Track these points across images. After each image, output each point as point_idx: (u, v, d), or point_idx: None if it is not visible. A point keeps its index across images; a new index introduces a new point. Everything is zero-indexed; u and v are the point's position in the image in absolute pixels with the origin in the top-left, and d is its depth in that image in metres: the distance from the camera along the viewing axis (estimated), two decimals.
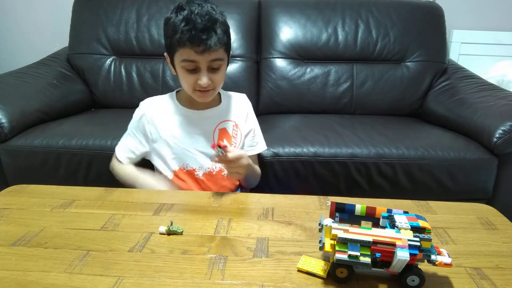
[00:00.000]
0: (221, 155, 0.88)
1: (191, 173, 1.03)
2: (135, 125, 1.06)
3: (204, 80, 0.93)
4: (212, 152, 0.91)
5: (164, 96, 1.10)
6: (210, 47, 0.89)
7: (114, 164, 1.09)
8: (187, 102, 1.05)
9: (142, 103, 1.08)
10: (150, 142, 1.05)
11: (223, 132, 1.07)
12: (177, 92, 1.10)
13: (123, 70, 1.81)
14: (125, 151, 1.07)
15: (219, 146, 0.88)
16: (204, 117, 1.05)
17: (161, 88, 1.79)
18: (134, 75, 1.80)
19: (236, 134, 1.09)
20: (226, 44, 0.95)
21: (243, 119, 1.11)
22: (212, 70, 0.95)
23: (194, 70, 0.94)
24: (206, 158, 1.04)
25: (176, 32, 0.90)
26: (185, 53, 0.91)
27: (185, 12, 0.90)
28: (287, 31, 1.81)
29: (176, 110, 1.05)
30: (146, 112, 1.04)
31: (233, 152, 0.90)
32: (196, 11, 0.89)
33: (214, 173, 1.05)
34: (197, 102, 1.02)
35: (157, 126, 1.03)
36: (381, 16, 1.82)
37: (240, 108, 1.12)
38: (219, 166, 1.04)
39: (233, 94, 1.14)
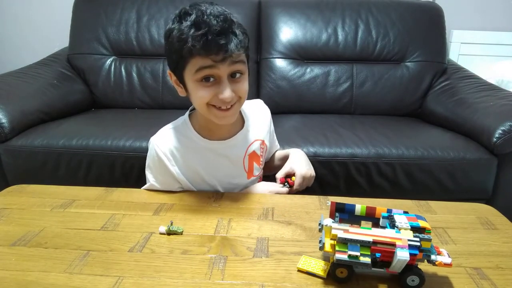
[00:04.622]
0: (288, 188, 0.93)
1: None
2: (163, 175, 0.87)
3: (227, 93, 0.75)
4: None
5: (176, 128, 0.89)
6: (232, 53, 0.72)
7: None
8: (206, 130, 0.88)
9: (154, 144, 0.87)
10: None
11: (252, 156, 0.95)
12: (189, 116, 0.90)
13: (123, 70, 1.81)
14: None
15: (287, 182, 0.93)
16: (230, 146, 0.90)
17: (161, 88, 1.79)
18: (134, 75, 1.80)
19: (263, 152, 0.98)
20: (247, 48, 0.78)
21: (267, 133, 1.00)
22: (234, 79, 0.78)
23: (212, 82, 0.76)
24: (238, 187, 0.95)
25: (185, 41, 0.71)
26: (199, 61, 0.73)
27: (193, 16, 0.72)
28: (287, 31, 1.81)
29: (197, 145, 0.87)
30: (161, 154, 0.85)
31: (297, 182, 0.92)
32: (208, 10, 0.72)
33: None
34: (219, 128, 0.86)
35: (179, 168, 0.87)
36: (381, 16, 1.82)
37: (263, 122, 1.00)
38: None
39: (252, 106, 0.98)
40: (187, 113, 0.91)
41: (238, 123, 0.93)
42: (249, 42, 0.79)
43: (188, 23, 0.72)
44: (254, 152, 0.95)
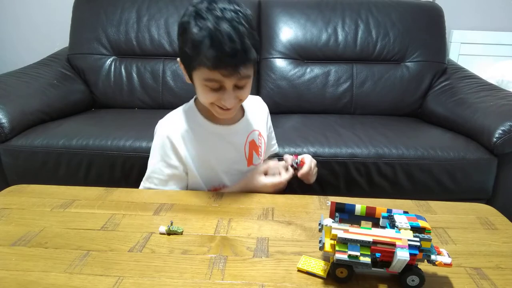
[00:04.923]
0: (295, 169, 0.93)
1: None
2: (167, 154, 0.90)
3: (229, 101, 0.81)
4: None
5: (182, 113, 0.94)
6: (242, 71, 0.77)
7: None
8: (210, 115, 0.91)
9: (162, 127, 0.92)
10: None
11: (252, 144, 0.99)
12: (195, 102, 0.95)
13: (123, 70, 1.81)
14: (175, 187, 0.92)
15: (299, 160, 0.93)
16: (232, 132, 0.95)
17: (161, 88, 1.79)
18: (134, 75, 1.80)
19: (261, 143, 1.02)
20: (255, 59, 0.80)
21: (264, 126, 1.05)
22: (238, 87, 0.82)
23: (218, 89, 0.81)
24: (238, 173, 0.97)
25: (198, 52, 0.75)
26: (208, 73, 0.77)
27: (208, 25, 0.73)
28: (287, 31, 1.81)
29: (202, 129, 0.92)
30: (172, 136, 0.89)
31: (308, 160, 0.93)
32: (223, 26, 0.73)
33: None
34: None
35: (187, 151, 0.90)
36: (381, 16, 1.82)
37: (261, 115, 1.05)
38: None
39: (251, 100, 1.01)
40: (193, 99, 0.96)
41: (239, 113, 0.97)
42: (258, 52, 0.81)
43: (204, 32, 0.74)
44: (253, 141, 0.99)
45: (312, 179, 0.99)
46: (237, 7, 0.77)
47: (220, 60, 0.74)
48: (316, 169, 0.99)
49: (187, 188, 0.95)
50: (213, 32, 0.73)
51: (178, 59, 0.87)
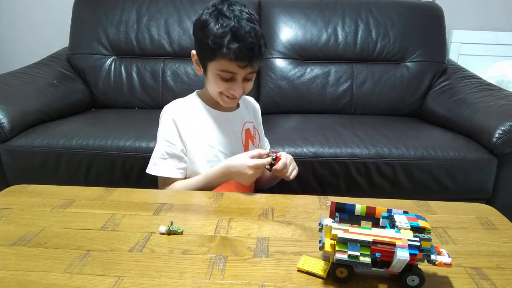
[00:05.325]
0: (273, 162, 0.93)
1: None
2: (168, 133, 0.98)
3: (238, 91, 0.94)
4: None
5: (187, 99, 1.05)
6: (254, 64, 0.91)
7: (170, 189, 0.98)
8: (212, 103, 1.02)
9: (166, 109, 1.02)
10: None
11: (248, 133, 1.08)
12: (197, 93, 1.06)
13: (123, 70, 1.81)
14: (173, 165, 0.98)
15: (275, 155, 0.94)
16: (231, 118, 1.05)
17: (161, 88, 1.79)
18: (134, 75, 1.80)
19: (255, 135, 1.11)
20: (264, 56, 0.94)
21: (257, 121, 1.15)
22: (246, 80, 0.95)
23: (229, 79, 0.93)
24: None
25: (220, 45, 0.87)
26: (226, 64, 0.89)
27: (230, 23, 0.87)
28: (287, 31, 1.81)
29: (204, 112, 1.02)
30: (175, 116, 0.99)
31: (284, 156, 0.95)
32: (244, 24, 0.87)
33: None
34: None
35: (189, 129, 0.99)
36: (381, 16, 1.82)
37: (254, 110, 1.15)
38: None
39: (245, 97, 1.12)
40: (195, 92, 1.07)
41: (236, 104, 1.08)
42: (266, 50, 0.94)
43: (226, 29, 0.86)
44: (248, 130, 1.08)
45: (291, 175, 0.98)
46: (250, 11, 0.91)
47: (240, 52, 0.86)
48: (293, 164, 0.99)
49: (186, 170, 1.00)
50: (236, 28, 0.86)
51: (193, 51, 0.98)
